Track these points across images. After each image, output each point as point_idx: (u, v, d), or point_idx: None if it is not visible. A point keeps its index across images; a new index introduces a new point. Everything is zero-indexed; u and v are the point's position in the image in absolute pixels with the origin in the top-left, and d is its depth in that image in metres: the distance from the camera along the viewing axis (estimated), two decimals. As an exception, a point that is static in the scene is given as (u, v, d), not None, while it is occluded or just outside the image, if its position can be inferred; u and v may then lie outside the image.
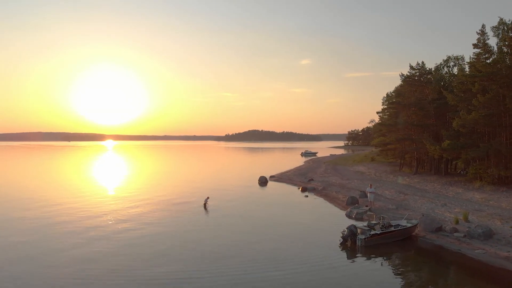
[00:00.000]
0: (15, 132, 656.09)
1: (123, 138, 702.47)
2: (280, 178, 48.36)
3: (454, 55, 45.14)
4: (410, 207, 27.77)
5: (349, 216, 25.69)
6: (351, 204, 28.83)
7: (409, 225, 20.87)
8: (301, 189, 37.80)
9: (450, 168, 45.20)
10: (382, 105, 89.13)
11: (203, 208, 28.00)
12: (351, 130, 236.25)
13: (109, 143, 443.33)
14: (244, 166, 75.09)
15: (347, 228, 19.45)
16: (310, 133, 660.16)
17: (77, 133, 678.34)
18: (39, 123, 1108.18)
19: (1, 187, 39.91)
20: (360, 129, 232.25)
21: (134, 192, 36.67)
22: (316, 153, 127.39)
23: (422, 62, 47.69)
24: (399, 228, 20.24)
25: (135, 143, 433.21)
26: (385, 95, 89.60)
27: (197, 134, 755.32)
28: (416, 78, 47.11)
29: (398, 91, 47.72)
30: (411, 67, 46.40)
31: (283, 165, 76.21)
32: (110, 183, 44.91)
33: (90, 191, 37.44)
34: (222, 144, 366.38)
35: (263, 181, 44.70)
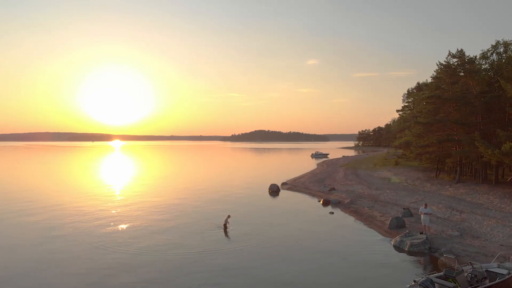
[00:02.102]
0: (23, 132, 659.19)
1: (130, 138, 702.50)
2: (294, 185, 41.21)
3: (504, 40, 37.59)
4: (478, 233, 20.51)
5: (399, 247, 18.53)
6: (395, 227, 21.65)
7: (505, 272, 13.68)
8: (323, 202, 30.62)
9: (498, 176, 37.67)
10: (403, 102, 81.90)
11: (222, 230, 21.38)
12: (362, 130, 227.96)
13: (116, 143, 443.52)
14: (251, 169, 68.08)
15: (420, 285, 12.31)
16: (317, 133, 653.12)
17: (84, 133, 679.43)
18: (47, 123, 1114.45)
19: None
20: (371, 129, 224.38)
21: (141, 205, 29.64)
22: (328, 154, 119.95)
23: (461, 50, 40.31)
24: (497, 280, 13.04)
25: (142, 143, 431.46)
26: (406, 92, 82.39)
27: (203, 134, 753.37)
28: (453, 68, 39.68)
29: (435, 83, 40.25)
30: (451, 55, 38.92)
31: (293, 168, 69.14)
32: (113, 191, 38.03)
33: (86, 205, 30.67)
34: (228, 144, 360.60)
35: (274, 190, 37.67)
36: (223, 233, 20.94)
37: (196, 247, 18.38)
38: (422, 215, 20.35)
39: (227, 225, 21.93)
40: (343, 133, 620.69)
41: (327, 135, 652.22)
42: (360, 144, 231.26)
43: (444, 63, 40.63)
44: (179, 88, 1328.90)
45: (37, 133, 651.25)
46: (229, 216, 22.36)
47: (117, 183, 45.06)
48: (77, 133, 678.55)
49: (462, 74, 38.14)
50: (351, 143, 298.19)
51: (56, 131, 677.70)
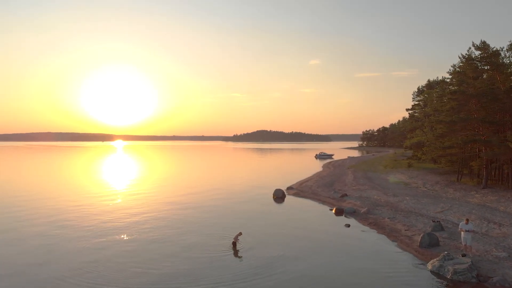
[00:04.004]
0: (24, 132, 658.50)
1: (132, 139, 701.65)
2: (301, 190, 37.66)
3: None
4: (530, 254, 16.88)
5: (438, 274, 14.97)
6: (428, 246, 18.06)
7: None
8: (335, 211, 27.03)
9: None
10: (413, 100, 78.26)
11: (231, 249, 17.92)
12: (366, 130, 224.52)
13: (118, 143, 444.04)
14: (254, 171, 64.57)
15: None
16: (319, 133, 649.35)
17: (87, 133, 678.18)
18: (48, 123, 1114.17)
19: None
20: (374, 129, 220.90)
21: (139, 214, 26.17)
22: (332, 155, 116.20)
23: (485, 42, 36.70)
24: None
25: (144, 143, 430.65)
26: (416, 89, 78.72)
27: (205, 135, 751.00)
28: (477, 61, 36.10)
29: (458, 77, 36.56)
30: (475, 47, 35.29)
31: (298, 170, 65.62)
32: (110, 196, 34.51)
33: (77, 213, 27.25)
34: (230, 144, 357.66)
35: (279, 196, 34.17)
36: (233, 254, 17.39)
37: (206, 275, 14.87)
38: (462, 233, 16.72)
39: (237, 242, 18.47)
40: (346, 133, 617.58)
41: (329, 135, 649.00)
42: (364, 145, 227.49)
43: (466, 55, 37.13)
44: (181, 88, 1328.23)
45: (38, 133, 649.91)
46: (240, 234, 18.87)
47: (115, 187, 41.60)
48: (79, 133, 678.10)
49: (487, 67, 34.53)
50: (354, 143, 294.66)
51: (58, 131, 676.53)
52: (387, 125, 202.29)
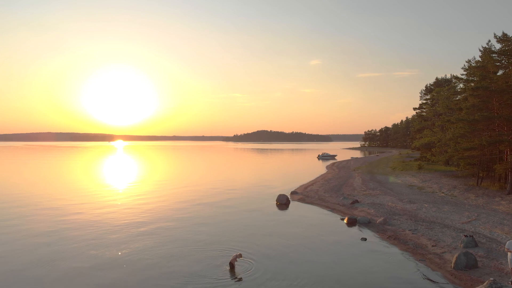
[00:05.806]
0: (25, 132, 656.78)
1: (133, 139, 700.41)
2: (307, 196, 34.69)
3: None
4: None
5: (486, 309, 12.02)
6: (465, 268, 15.10)
7: None
8: (347, 221, 24.01)
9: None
10: (420, 99, 75.27)
11: (228, 271, 15.06)
12: (368, 130, 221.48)
13: (119, 143, 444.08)
14: (254, 173, 61.64)
15: None
16: (320, 134, 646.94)
17: (87, 134, 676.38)
18: (49, 123, 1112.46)
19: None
20: (376, 129, 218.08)
21: (126, 226, 23.39)
22: (335, 156, 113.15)
23: (506, 34, 33.79)
24: None
25: (144, 143, 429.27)
26: (424, 87, 75.68)
27: (205, 135, 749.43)
28: (499, 54, 33.15)
29: (479, 72, 33.47)
30: (498, 39, 32.32)
31: (300, 171, 62.75)
32: (98, 204, 31.67)
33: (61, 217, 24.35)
34: (231, 144, 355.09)
35: (283, 202, 31.21)
36: (230, 278, 14.45)
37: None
38: (509, 254, 13.76)
39: (235, 263, 15.51)
40: (347, 133, 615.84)
41: (330, 135, 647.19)
42: (366, 145, 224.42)
43: (486, 47, 34.21)
44: (182, 88, 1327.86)
45: (39, 133, 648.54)
46: (240, 256, 15.84)
47: (109, 191, 38.66)
48: (80, 133, 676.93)
49: (511, 61, 31.55)
50: (355, 144, 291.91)
51: (58, 131, 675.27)
52: (388, 125, 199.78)
